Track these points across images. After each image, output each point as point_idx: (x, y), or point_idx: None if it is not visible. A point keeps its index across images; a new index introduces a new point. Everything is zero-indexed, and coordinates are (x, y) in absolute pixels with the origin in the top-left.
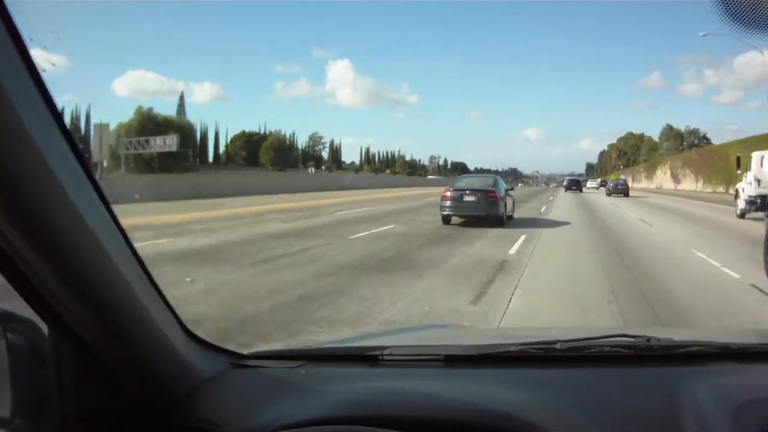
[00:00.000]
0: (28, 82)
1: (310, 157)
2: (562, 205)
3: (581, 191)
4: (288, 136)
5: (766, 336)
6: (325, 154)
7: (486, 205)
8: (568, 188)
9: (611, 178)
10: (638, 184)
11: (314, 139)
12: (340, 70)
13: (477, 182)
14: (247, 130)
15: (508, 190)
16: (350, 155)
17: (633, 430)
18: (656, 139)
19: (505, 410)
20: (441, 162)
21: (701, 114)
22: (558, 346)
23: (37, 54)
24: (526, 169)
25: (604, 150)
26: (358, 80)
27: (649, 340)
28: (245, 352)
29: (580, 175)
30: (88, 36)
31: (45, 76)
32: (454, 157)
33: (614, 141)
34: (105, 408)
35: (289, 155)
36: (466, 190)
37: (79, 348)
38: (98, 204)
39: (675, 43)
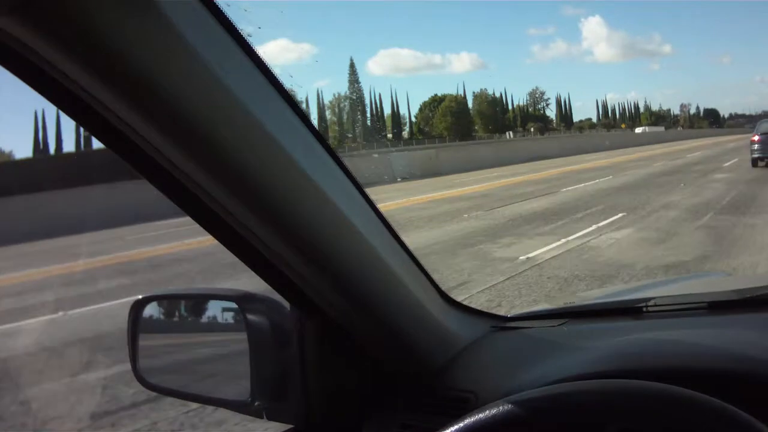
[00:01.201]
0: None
1: (530, 117)
2: None
3: None
4: (500, 96)
5: None
6: (551, 113)
7: None
8: None
9: None
10: None
11: (535, 97)
12: (593, 27)
13: None
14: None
15: None
16: (583, 111)
17: None
18: None
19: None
20: (693, 111)
21: None
22: None
23: (281, 44)
24: None
25: None
26: (612, 34)
27: None
28: (508, 314)
29: None
30: (333, 20)
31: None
32: (707, 104)
33: None
34: (355, 384)
35: (496, 118)
36: None
37: (324, 324)
38: (339, 173)
39: None
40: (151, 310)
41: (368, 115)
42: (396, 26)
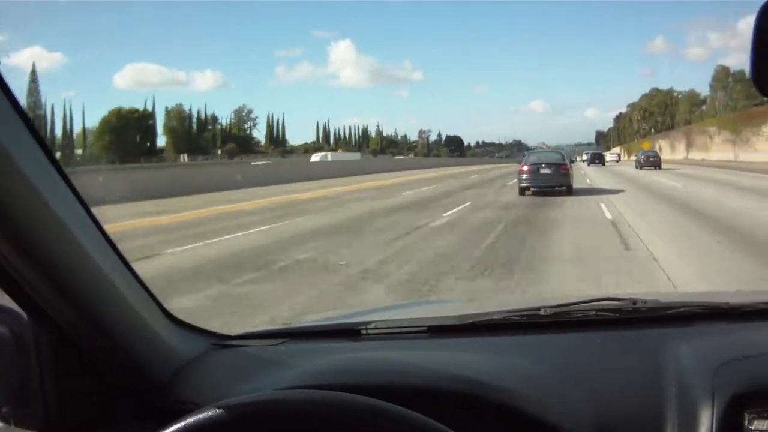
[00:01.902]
0: None
1: (233, 138)
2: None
3: (604, 165)
4: (200, 113)
5: (761, 295)
6: (259, 133)
7: (560, 176)
8: (591, 162)
9: (645, 148)
10: (674, 154)
11: (240, 115)
12: (341, 51)
13: (548, 157)
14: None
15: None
16: (304, 134)
17: (613, 391)
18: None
19: (486, 378)
20: (434, 137)
21: (706, 78)
22: (542, 312)
23: (36, 52)
24: (531, 141)
25: (620, 113)
26: (360, 59)
27: (635, 302)
28: (229, 333)
29: (589, 144)
30: (86, 32)
31: (2, 69)
32: (457, 132)
33: (624, 109)
34: (88, 392)
35: (190, 138)
36: (541, 164)
37: (58, 334)
38: (66, 192)
39: (679, 7)
40: None
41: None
42: (145, 40)
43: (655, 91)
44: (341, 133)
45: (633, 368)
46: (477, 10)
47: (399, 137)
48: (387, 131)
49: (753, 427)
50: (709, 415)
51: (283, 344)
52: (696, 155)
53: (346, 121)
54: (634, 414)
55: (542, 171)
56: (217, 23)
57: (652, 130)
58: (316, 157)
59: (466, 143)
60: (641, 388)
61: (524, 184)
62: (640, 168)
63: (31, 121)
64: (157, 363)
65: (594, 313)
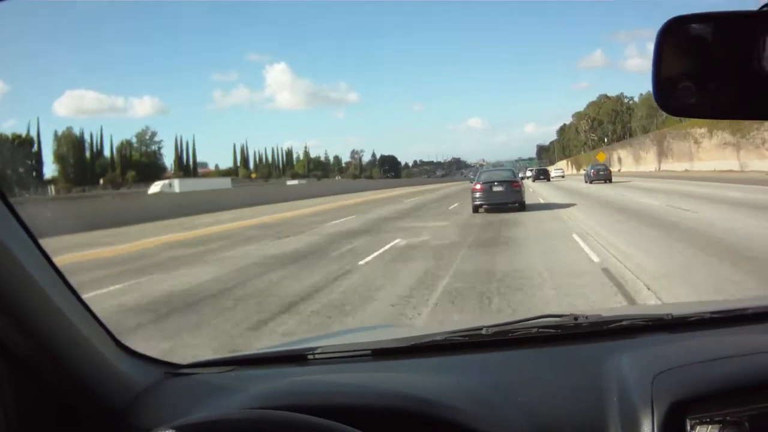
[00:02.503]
0: None
1: (134, 164)
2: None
3: (549, 180)
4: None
5: (706, 305)
6: (166, 158)
7: (512, 193)
8: (536, 178)
9: (599, 161)
10: (640, 165)
11: (142, 138)
12: (277, 74)
13: (500, 175)
14: None
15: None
16: (225, 158)
17: (555, 403)
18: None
19: (430, 396)
20: (368, 157)
21: (646, 88)
22: (483, 331)
23: None
24: (471, 158)
25: (564, 125)
26: (296, 82)
27: (576, 318)
28: (180, 362)
29: (530, 159)
30: (26, 58)
31: None
32: (393, 151)
33: (568, 119)
34: (46, 423)
35: (84, 165)
36: (494, 182)
37: (14, 363)
38: (12, 221)
39: (616, 18)
40: None
41: None
42: (83, 65)
43: (604, 98)
44: (263, 155)
45: (575, 381)
46: (413, 28)
47: (329, 159)
48: (319, 153)
49: None
50: (649, 421)
51: (233, 371)
52: (672, 165)
53: (284, 143)
54: (577, 424)
55: (495, 189)
56: (154, 48)
57: (604, 140)
58: (155, 188)
59: (403, 162)
60: (583, 399)
61: (477, 202)
62: (590, 182)
63: None
64: (113, 391)
65: (536, 330)
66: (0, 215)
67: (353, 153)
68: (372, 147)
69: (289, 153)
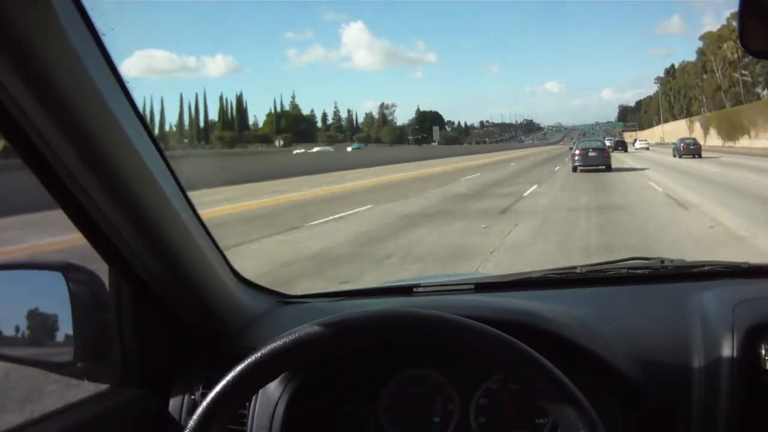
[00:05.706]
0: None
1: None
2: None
3: (626, 151)
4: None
5: None
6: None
7: (603, 158)
8: (614, 149)
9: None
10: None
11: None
12: (354, 33)
13: (594, 143)
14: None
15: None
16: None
17: (645, 331)
18: None
19: (541, 312)
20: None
21: None
22: (578, 270)
23: None
24: (546, 121)
25: (650, 96)
26: (373, 42)
27: (663, 261)
28: (291, 293)
29: (609, 122)
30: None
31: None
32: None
33: (641, 89)
34: (166, 343)
35: None
36: (589, 149)
37: (139, 288)
38: (159, 160)
39: None
40: None
41: None
42: (152, 25)
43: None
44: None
45: (662, 312)
46: None
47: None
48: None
49: None
50: (729, 345)
51: (342, 301)
52: (743, 143)
53: (359, 105)
54: (665, 349)
55: (590, 154)
56: (226, 7)
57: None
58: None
59: (469, 123)
60: (670, 328)
61: (576, 164)
62: (679, 156)
63: (145, 120)
64: (229, 316)
65: (626, 270)
66: (154, 155)
67: (382, 106)
68: (452, 106)
69: (355, 117)
